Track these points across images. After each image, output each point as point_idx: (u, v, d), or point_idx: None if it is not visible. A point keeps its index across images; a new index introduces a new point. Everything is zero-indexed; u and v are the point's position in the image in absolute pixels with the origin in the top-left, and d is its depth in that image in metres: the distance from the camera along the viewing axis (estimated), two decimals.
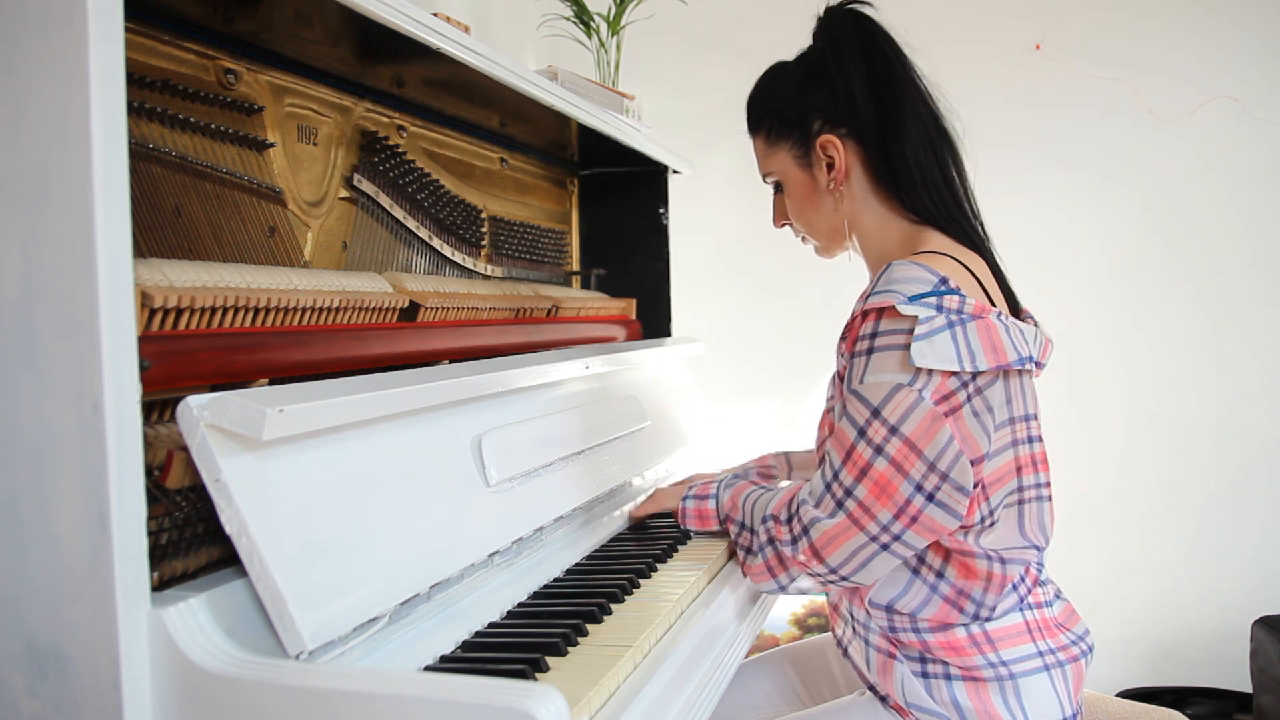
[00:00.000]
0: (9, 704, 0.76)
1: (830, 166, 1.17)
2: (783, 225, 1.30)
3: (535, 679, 0.82)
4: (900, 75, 1.15)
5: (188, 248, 1.00)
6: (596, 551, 1.28)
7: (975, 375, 1.00)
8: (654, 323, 2.05)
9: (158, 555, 0.79)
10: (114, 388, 0.70)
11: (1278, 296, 2.41)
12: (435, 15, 1.11)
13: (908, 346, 0.98)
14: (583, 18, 2.16)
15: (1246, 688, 2.25)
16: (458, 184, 1.55)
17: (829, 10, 1.18)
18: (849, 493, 1.01)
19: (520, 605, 1.05)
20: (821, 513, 1.03)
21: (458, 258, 1.51)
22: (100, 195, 0.69)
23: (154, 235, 0.95)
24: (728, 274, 2.69)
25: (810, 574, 1.06)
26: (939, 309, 0.99)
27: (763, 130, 1.24)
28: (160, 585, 0.79)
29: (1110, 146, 2.46)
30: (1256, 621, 2.18)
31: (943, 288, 1.01)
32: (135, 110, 0.95)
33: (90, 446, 0.71)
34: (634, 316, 2.02)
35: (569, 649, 0.91)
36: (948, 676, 1.07)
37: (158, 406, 0.85)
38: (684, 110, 2.62)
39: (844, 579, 1.04)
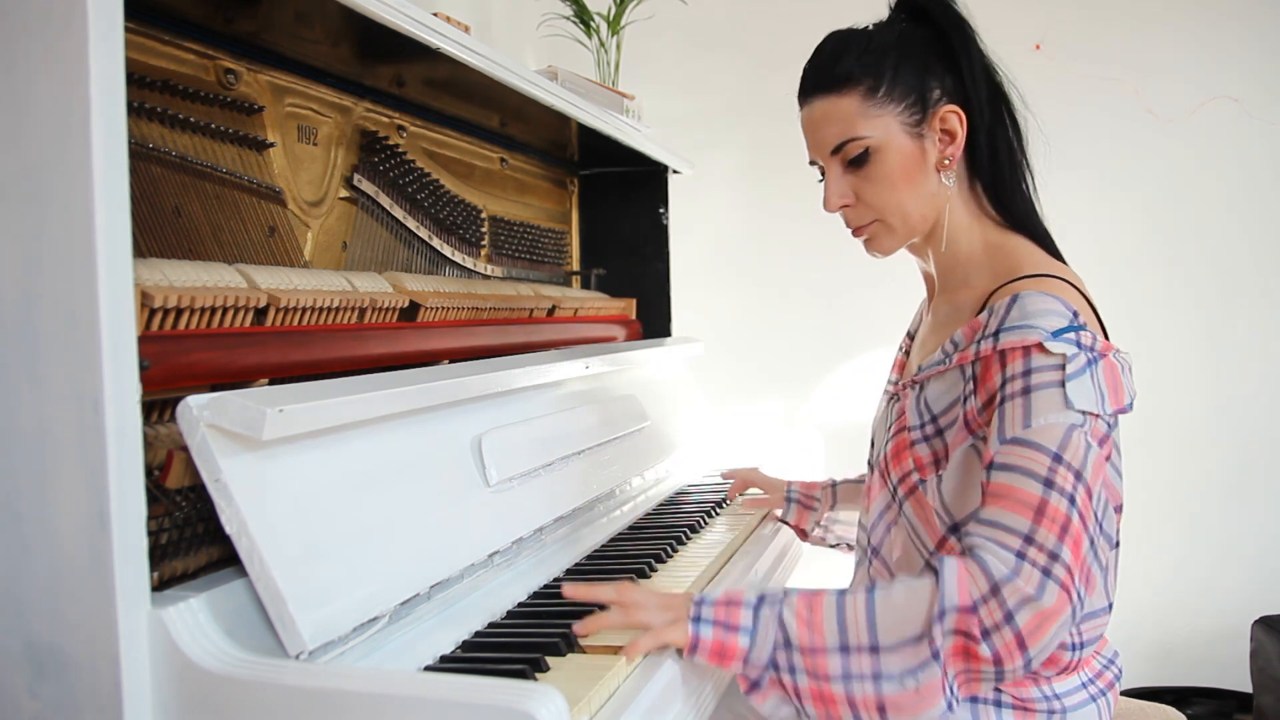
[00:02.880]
0: (9, 704, 0.76)
1: (944, 142, 1.06)
2: (842, 207, 1.09)
3: (535, 679, 0.82)
4: (993, 71, 1.09)
5: (188, 248, 1.00)
6: (597, 551, 1.28)
7: (1115, 416, 0.92)
8: (654, 323, 2.05)
9: (158, 555, 0.79)
10: (114, 388, 0.70)
11: (1278, 297, 2.41)
12: (435, 15, 1.11)
13: (1063, 384, 0.89)
14: (583, 18, 2.16)
15: (1246, 688, 2.25)
16: (458, 184, 1.55)
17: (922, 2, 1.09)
18: (1054, 557, 0.83)
19: (520, 605, 1.05)
20: (1030, 588, 0.83)
21: (458, 258, 1.51)
22: (100, 195, 0.69)
23: (154, 235, 0.95)
24: (728, 274, 2.69)
25: (978, 675, 0.85)
26: (1079, 345, 0.91)
27: (863, 85, 1.04)
28: (160, 585, 0.79)
29: (1110, 147, 2.46)
30: (1256, 621, 2.18)
31: (1075, 322, 0.92)
32: (135, 110, 0.95)
33: (90, 446, 0.71)
34: (634, 316, 2.02)
35: (569, 649, 0.91)
36: (998, 704, 0.98)
37: (158, 406, 0.85)
38: (684, 110, 2.62)
39: (1024, 672, 0.85)
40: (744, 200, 2.67)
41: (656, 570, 1.19)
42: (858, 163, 1.06)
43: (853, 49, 1.06)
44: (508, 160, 1.73)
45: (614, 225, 2.04)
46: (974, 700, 0.98)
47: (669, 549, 1.27)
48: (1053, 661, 0.99)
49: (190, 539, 0.83)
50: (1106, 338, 1.04)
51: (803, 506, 1.47)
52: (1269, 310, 2.41)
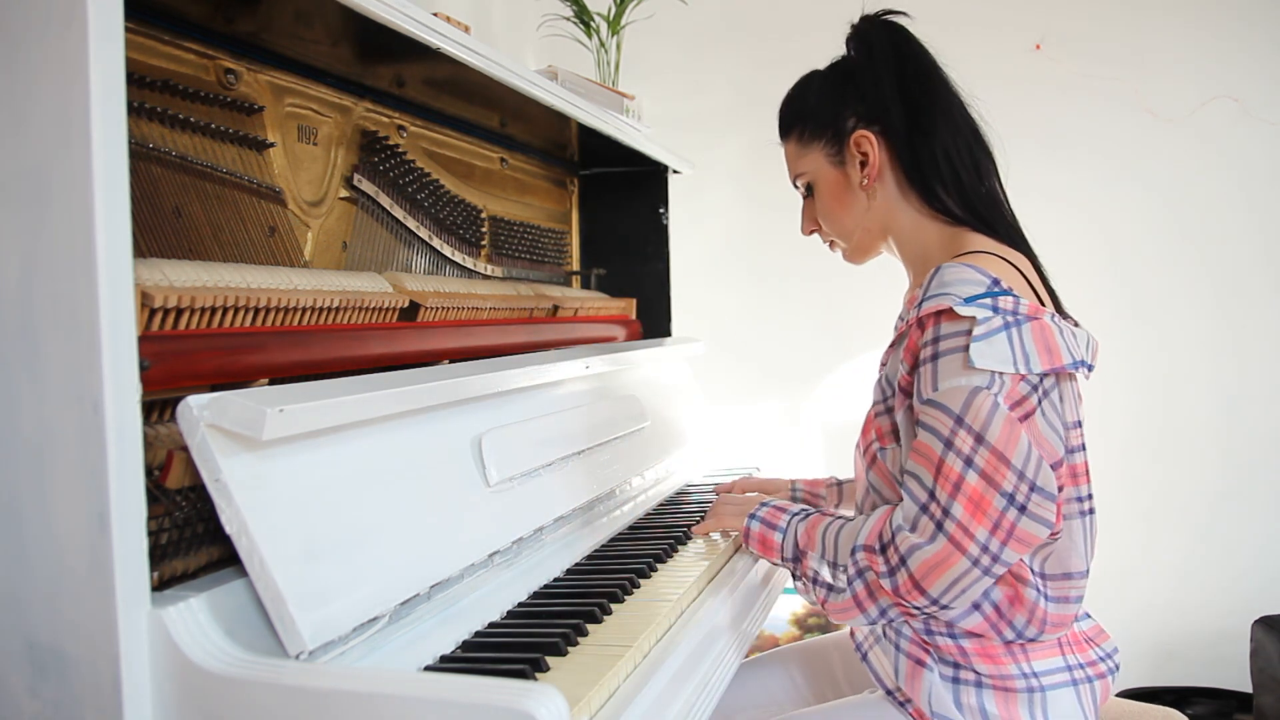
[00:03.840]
0: (9, 704, 0.76)
1: (863, 164, 1.16)
2: (811, 232, 1.28)
3: (535, 679, 0.82)
4: (933, 77, 1.16)
5: (188, 248, 1.00)
6: (597, 551, 1.28)
7: (1042, 377, 0.98)
8: (654, 323, 2.05)
9: (158, 555, 0.79)
10: (114, 388, 0.70)
11: (1278, 297, 2.41)
12: (435, 15, 1.11)
13: (967, 348, 0.96)
14: (583, 18, 2.16)
15: (1247, 688, 2.25)
16: (458, 184, 1.55)
17: (864, 18, 1.19)
18: (946, 512, 0.95)
19: (520, 605, 1.05)
20: (920, 538, 0.96)
21: (458, 257, 1.51)
22: (100, 195, 0.69)
23: (154, 235, 0.95)
24: (728, 274, 2.69)
25: (906, 607, 1.00)
26: (995, 310, 0.97)
27: (795, 132, 1.23)
28: (160, 585, 0.79)
29: (1110, 147, 2.46)
30: (1256, 621, 2.18)
31: (996, 289, 0.99)
32: (135, 110, 0.95)
33: (90, 446, 0.71)
34: (634, 316, 2.02)
35: (569, 649, 0.91)
36: (979, 684, 1.04)
37: (158, 406, 0.85)
38: (684, 110, 2.62)
39: (944, 608, 0.98)
40: (744, 200, 2.67)
41: (657, 570, 1.19)
42: (809, 193, 1.25)
43: (794, 100, 1.24)
44: (508, 160, 1.73)
45: (614, 225, 2.04)
46: (956, 681, 1.05)
47: (669, 549, 1.27)
48: (1019, 601, 1.03)
49: (190, 539, 0.83)
50: (1062, 311, 1.12)
51: (808, 504, 1.48)
52: (1269, 310, 2.41)
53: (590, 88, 1.76)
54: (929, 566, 0.96)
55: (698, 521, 1.37)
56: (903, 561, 0.97)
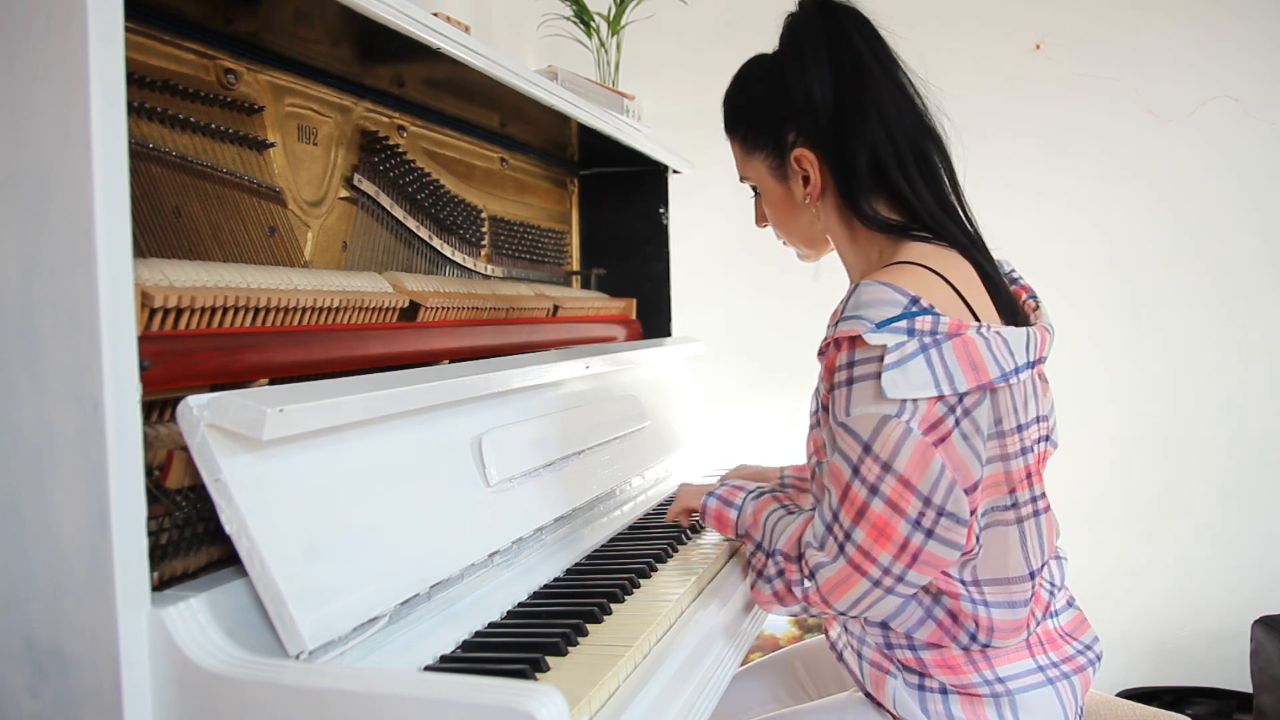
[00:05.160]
0: (9, 704, 0.76)
1: (806, 180, 1.12)
2: (765, 226, 1.26)
3: (535, 679, 0.82)
4: (871, 70, 1.07)
5: (188, 248, 1.00)
6: (596, 552, 1.28)
7: (962, 396, 0.95)
8: (654, 323, 2.05)
9: (158, 555, 0.79)
10: (114, 388, 0.70)
11: (1278, 297, 2.41)
12: (435, 15, 1.11)
13: (878, 375, 0.93)
14: (583, 18, 2.16)
15: (1246, 688, 2.25)
16: (458, 184, 1.55)
17: (800, 5, 1.11)
18: (848, 536, 0.96)
19: (520, 605, 1.05)
20: (825, 556, 0.98)
21: (458, 257, 1.51)
22: (100, 195, 0.69)
23: (154, 235, 0.95)
24: (728, 274, 2.69)
25: (819, 609, 1.04)
26: (910, 332, 0.93)
27: (738, 135, 1.19)
28: (160, 585, 0.79)
29: (1110, 147, 2.46)
30: (1256, 621, 2.18)
31: (914, 309, 0.94)
32: (135, 110, 0.95)
33: (90, 446, 0.71)
34: (634, 316, 2.02)
35: (569, 649, 0.91)
36: (943, 691, 1.05)
37: (158, 406, 0.85)
38: (684, 110, 2.61)
39: (853, 618, 1.03)
40: (744, 200, 2.65)
41: (657, 570, 1.19)
42: (756, 194, 1.23)
43: (734, 97, 1.19)
44: (508, 160, 1.73)
45: (614, 225, 2.04)
46: (920, 689, 1.06)
47: (669, 549, 1.27)
48: (961, 612, 1.02)
49: (190, 539, 0.83)
50: (1014, 313, 1.07)
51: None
52: (1269, 310, 2.41)
53: (590, 88, 1.76)
54: (832, 584, 0.98)
55: (698, 523, 1.37)
56: (810, 575, 1.00)
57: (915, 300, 0.95)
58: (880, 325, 0.94)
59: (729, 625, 1.11)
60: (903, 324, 0.94)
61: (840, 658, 1.18)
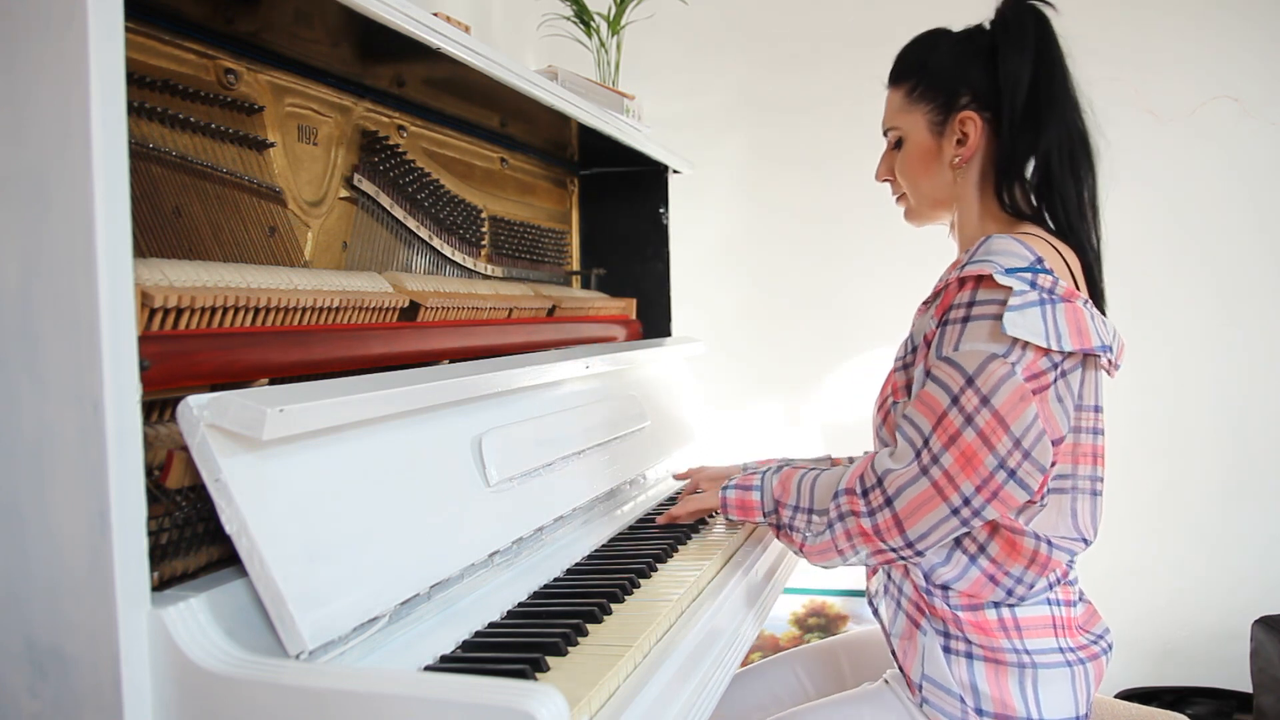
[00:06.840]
0: (9, 704, 0.76)
1: (960, 142, 1.18)
2: (884, 180, 1.29)
3: (535, 679, 0.82)
4: (1060, 80, 1.16)
5: (188, 248, 1.00)
6: (597, 551, 1.28)
7: (1065, 357, 1.02)
8: (654, 323, 2.05)
9: (158, 555, 0.79)
10: (114, 388, 0.70)
11: (1278, 297, 2.41)
12: (435, 15, 1.11)
13: (999, 316, 0.99)
14: (583, 18, 2.16)
15: (1246, 688, 2.24)
16: (458, 184, 1.55)
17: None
18: (936, 459, 1.01)
19: (520, 605, 1.05)
20: (909, 476, 1.02)
21: (458, 257, 1.51)
22: (100, 195, 0.69)
23: (154, 235, 0.95)
24: (728, 274, 2.69)
25: (879, 550, 1.06)
26: (1033, 285, 1.00)
27: (907, 84, 1.22)
28: (160, 585, 0.79)
29: (1110, 147, 2.46)
30: (1256, 621, 2.18)
31: (1038, 266, 1.02)
32: (135, 110, 0.95)
33: (90, 446, 0.71)
34: (634, 316, 2.02)
35: (569, 649, 0.91)
36: (969, 655, 1.07)
37: (158, 406, 0.85)
38: (684, 110, 2.62)
39: (917, 553, 1.05)
40: (744, 200, 2.67)
41: (657, 570, 1.19)
42: (897, 146, 1.25)
43: (917, 50, 1.23)
44: (508, 160, 1.73)
45: (614, 225, 2.04)
46: (947, 650, 1.09)
47: (669, 549, 1.27)
48: (1016, 550, 1.06)
49: (190, 539, 0.83)
50: (1102, 309, 1.18)
51: None
52: (1270, 310, 2.41)
53: (590, 88, 1.76)
54: (913, 506, 1.02)
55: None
56: (888, 501, 1.03)
57: (1040, 260, 1.03)
58: (1009, 271, 1.01)
59: (730, 625, 1.11)
60: (1028, 275, 1.01)
61: (876, 612, 1.19)
